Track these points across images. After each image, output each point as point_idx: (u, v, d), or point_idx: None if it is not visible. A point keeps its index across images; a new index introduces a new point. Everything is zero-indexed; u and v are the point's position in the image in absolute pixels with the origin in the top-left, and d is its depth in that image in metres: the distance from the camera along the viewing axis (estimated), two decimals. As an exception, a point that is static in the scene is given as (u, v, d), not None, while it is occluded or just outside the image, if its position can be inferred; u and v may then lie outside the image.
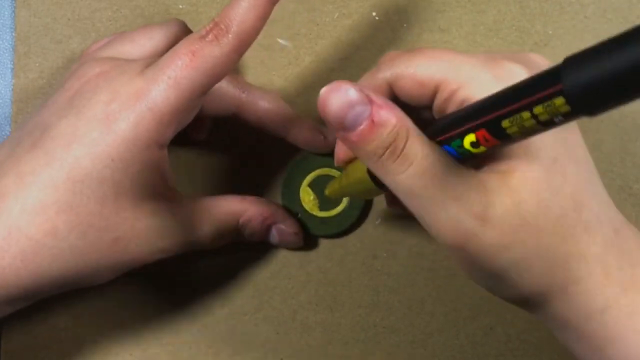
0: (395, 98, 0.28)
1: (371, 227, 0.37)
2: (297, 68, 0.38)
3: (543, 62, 0.28)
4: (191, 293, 0.36)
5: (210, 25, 0.28)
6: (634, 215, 0.37)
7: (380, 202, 0.37)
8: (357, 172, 0.29)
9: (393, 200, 0.32)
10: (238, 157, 0.37)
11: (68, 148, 0.28)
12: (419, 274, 0.37)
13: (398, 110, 0.25)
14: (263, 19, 0.28)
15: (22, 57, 0.38)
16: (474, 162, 0.25)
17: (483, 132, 0.23)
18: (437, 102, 0.27)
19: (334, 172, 0.36)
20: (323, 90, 0.25)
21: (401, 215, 0.36)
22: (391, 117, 0.25)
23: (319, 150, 0.36)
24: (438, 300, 0.36)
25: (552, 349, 0.36)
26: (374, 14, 0.38)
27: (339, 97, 0.25)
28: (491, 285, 0.27)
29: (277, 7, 0.37)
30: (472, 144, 0.24)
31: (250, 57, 0.37)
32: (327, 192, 0.35)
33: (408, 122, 0.25)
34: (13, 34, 0.38)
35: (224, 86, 0.33)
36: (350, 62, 0.37)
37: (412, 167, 0.25)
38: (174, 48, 0.29)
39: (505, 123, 0.22)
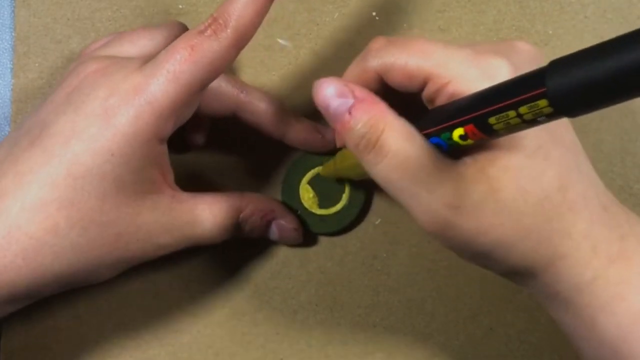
0: (386, 84, 0.29)
1: (371, 227, 0.37)
2: (297, 68, 0.38)
3: (528, 50, 0.29)
4: (191, 293, 0.36)
5: (209, 21, 0.28)
6: (634, 215, 0.37)
7: (380, 202, 0.37)
8: (350, 157, 0.30)
9: None
10: (238, 155, 0.37)
11: (67, 144, 0.28)
12: (419, 274, 0.37)
13: (378, 104, 0.27)
14: (261, 14, 0.29)
15: (22, 57, 0.38)
16: (461, 152, 0.27)
17: (471, 126, 0.25)
18: (427, 92, 0.28)
19: (334, 171, 0.36)
20: (314, 83, 0.28)
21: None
22: (367, 111, 0.27)
23: (317, 149, 0.36)
24: (438, 300, 0.36)
25: (552, 349, 0.36)
26: (374, 14, 0.38)
27: (324, 90, 0.28)
28: (479, 262, 0.28)
29: (277, 7, 0.38)
30: (461, 137, 0.25)
31: (250, 57, 0.37)
32: (321, 171, 0.36)
33: (386, 116, 0.27)
34: (12, 33, 0.38)
35: (223, 86, 0.33)
36: (350, 62, 0.37)
37: (387, 159, 0.27)
38: (173, 43, 0.29)
39: (492, 120, 0.24)
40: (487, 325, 0.36)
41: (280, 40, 0.38)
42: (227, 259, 0.36)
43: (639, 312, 0.26)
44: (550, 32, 0.38)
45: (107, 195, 0.28)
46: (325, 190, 0.36)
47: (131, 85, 0.28)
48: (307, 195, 0.36)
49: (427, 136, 0.27)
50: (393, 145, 0.26)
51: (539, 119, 0.22)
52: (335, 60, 0.37)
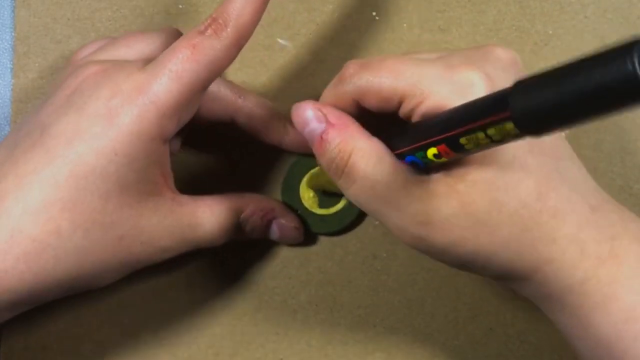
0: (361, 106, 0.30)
1: (371, 227, 0.37)
2: (297, 68, 0.38)
3: (504, 57, 0.29)
4: (191, 293, 0.36)
5: (209, 21, 0.29)
6: (634, 216, 0.37)
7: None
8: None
9: None
10: (238, 156, 0.37)
11: (70, 145, 0.28)
12: (419, 274, 0.37)
13: (348, 127, 0.29)
14: (259, 12, 0.29)
15: (22, 57, 0.38)
16: (439, 167, 0.28)
17: (444, 146, 0.26)
18: (402, 111, 0.29)
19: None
20: (293, 106, 0.30)
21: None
22: (337, 135, 0.28)
23: None
24: (438, 300, 0.36)
25: (552, 349, 0.36)
26: (374, 13, 0.38)
27: (298, 115, 0.30)
28: (463, 269, 0.29)
29: (277, 7, 0.38)
30: (435, 156, 0.26)
31: (250, 57, 0.37)
32: (307, 183, 0.36)
33: (356, 140, 0.28)
34: (12, 33, 0.38)
35: (222, 90, 0.33)
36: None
37: (355, 184, 0.28)
38: (174, 44, 0.29)
39: (463, 140, 0.24)
40: (487, 325, 0.36)
41: (280, 40, 0.38)
42: (227, 259, 0.36)
43: (632, 311, 0.26)
44: (550, 32, 0.38)
45: (110, 195, 0.28)
46: (324, 195, 0.36)
47: (134, 85, 0.28)
48: (307, 195, 0.36)
49: (403, 155, 0.28)
50: (361, 170, 0.28)
51: (507, 139, 0.23)
52: (335, 60, 0.37)
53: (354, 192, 0.28)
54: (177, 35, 0.33)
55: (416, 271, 0.37)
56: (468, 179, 0.27)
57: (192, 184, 0.36)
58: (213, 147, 0.37)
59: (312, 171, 0.36)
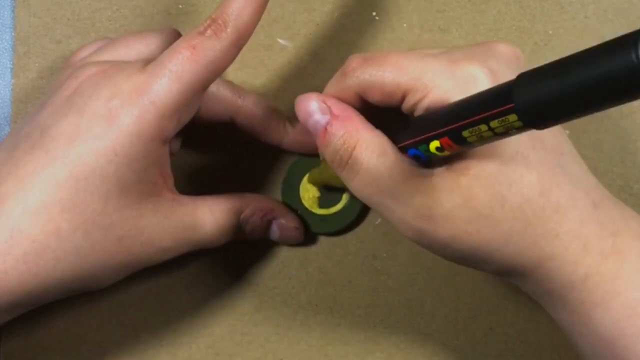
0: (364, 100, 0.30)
1: (371, 227, 0.37)
2: (297, 68, 0.38)
3: (506, 52, 0.29)
4: (191, 293, 0.36)
5: (208, 22, 0.29)
6: (634, 215, 0.37)
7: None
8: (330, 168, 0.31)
9: None
10: (238, 156, 0.37)
11: (70, 146, 0.28)
12: (419, 274, 0.37)
13: (352, 119, 0.29)
14: (259, 13, 0.29)
15: (22, 57, 0.38)
16: (442, 161, 0.28)
17: (446, 139, 0.26)
18: (405, 106, 0.28)
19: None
20: (297, 98, 0.30)
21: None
22: (341, 127, 0.28)
23: (314, 151, 0.35)
24: (438, 300, 0.36)
25: (552, 349, 0.36)
26: (374, 13, 0.38)
27: (302, 106, 0.30)
28: (464, 264, 0.29)
29: (277, 7, 0.38)
30: (437, 149, 0.26)
31: (250, 57, 0.37)
32: (308, 179, 0.36)
33: (360, 132, 0.28)
34: (12, 33, 0.38)
35: (221, 90, 0.33)
36: (350, 62, 0.37)
37: (358, 176, 0.28)
38: (174, 44, 0.29)
39: (465, 133, 0.24)
40: (487, 325, 0.36)
41: (280, 40, 0.38)
42: (227, 259, 0.36)
43: (634, 307, 0.26)
44: (551, 32, 0.38)
45: (110, 196, 0.28)
46: (326, 190, 0.36)
47: (134, 86, 0.28)
48: (307, 195, 0.36)
49: (406, 148, 0.28)
50: (364, 162, 0.28)
51: (510, 131, 0.23)
52: (335, 60, 0.37)
53: (357, 184, 0.28)
54: (176, 35, 0.33)
55: (416, 271, 0.37)
56: (471, 173, 0.27)
57: (192, 184, 0.37)
58: (213, 147, 0.37)
59: (314, 167, 0.36)
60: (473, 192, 0.27)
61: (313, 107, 0.29)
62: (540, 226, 0.27)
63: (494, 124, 0.23)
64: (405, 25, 0.38)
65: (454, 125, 0.25)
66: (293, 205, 0.36)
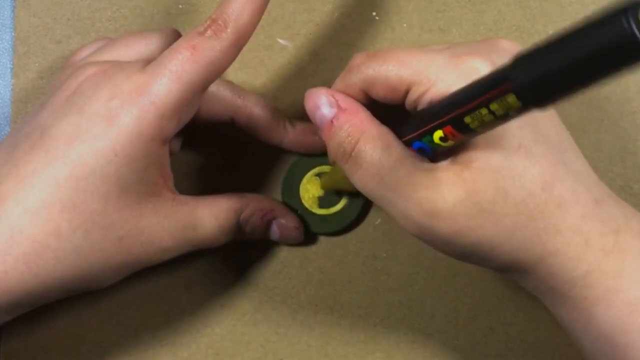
0: (370, 97, 0.30)
1: (371, 227, 0.37)
2: (297, 68, 0.38)
3: (509, 47, 0.29)
4: (191, 293, 0.36)
5: (208, 22, 0.29)
6: (634, 215, 0.37)
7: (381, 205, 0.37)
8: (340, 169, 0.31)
9: None
10: (238, 156, 0.37)
11: (70, 146, 0.28)
12: (419, 274, 0.37)
13: (358, 113, 0.29)
14: (259, 13, 0.29)
15: (22, 57, 0.38)
16: (446, 153, 0.28)
17: (449, 128, 0.26)
18: (409, 101, 0.29)
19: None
20: (306, 92, 0.30)
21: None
22: (347, 120, 0.29)
23: (314, 151, 0.36)
24: (438, 300, 0.36)
25: (552, 349, 0.36)
26: (374, 13, 0.38)
27: (311, 99, 0.30)
28: (466, 260, 0.29)
29: (277, 7, 0.38)
30: (441, 139, 0.26)
31: (250, 57, 0.37)
32: (321, 185, 0.36)
33: (365, 126, 0.28)
34: (12, 34, 0.38)
35: (221, 90, 0.33)
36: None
37: (362, 169, 0.28)
38: (174, 45, 0.29)
39: (467, 119, 0.24)
40: (487, 325, 0.36)
41: (280, 40, 0.38)
42: (227, 259, 0.36)
43: (635, 304, 0.26)
44: (551, 32, 0.38)
45: (110, 196, 0.28)
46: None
47: (134, 86, 0.28)
48: (307, 195, 0.36)
49: (410, 141, 0.28)
50: (368, 155, 0.28)
51: (510, 113, 0.23)
52: (335, 60, 0.37)
53: (360, 178, 0.28)
54: (176, 35, 0.33)
55: (416, 271, 0.37)
56: (474, 167, 0.27)
57: (192, 184, 0.37)
58: (213, 147, 0.37)
59: (323, 169, 0.36)
60: (476, 185, 0.27)
61: (321, 100, 0.30)
62: (542, 221, 0.27)
63: (493, 106, 0.23)
64: (405, 25, 0.38)
65: (455, 113, 0.25)
66: (293, 205, 0.36)
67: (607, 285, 0.27)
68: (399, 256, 0.37)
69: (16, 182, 0.28)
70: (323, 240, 0.37)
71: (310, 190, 0.36)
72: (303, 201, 0.36)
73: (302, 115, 0.36)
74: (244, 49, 0.29)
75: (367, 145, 0.28)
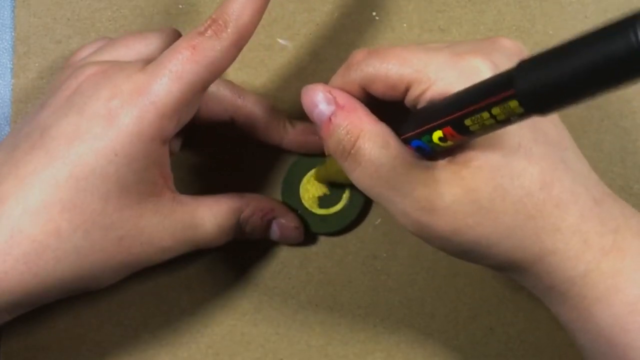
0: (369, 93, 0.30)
1: (371, 227, 0.37)
2: (297, 68, 0.38)
3: (510, 46, 0.29)
4: (191, 293, 0.36)
5: (209, 22, 0.29)
6: (634, 215, 0.37)
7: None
8: (336, 162, 0.31)
9: None
10: (238, 155, 0.37)
11: (70, 146, 0.28)
12: (419, 274, 0.37)
13: (357, 111, 0.29)
14: (260, 13, 0.29)
15: (22, 57, 0.38)
16: (445, 152, 0.28)
17: (449, 129, 0.25)
18: (409, 98, 0.28)
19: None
20: (303, 89, 0.30)
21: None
22: (346, 117, 0.28)
23: (314, 151, 0.36)
24: (438, 300, 0.36)
25: (552, 349, 0.36)
26: (374, 13, 0.38)
27: (308, 96, 0.30)
28: (465, 258, 0.29)
29: (277, 7, 0.38)
30: (440, 139, 0.26)
31: (250, 57, 0.37)
32: (314, 177, 0.36)
33: (363, 123, 0.28)
34: (12, 33, 0.38)
35: (221, 90, 0.33)
36: (350, 62, 0.37)
37: (360, 167, 0.28)
38: (174, 44, 0.29)
39: (467, 122, 0.24)
40: (487, 325, 0.36)
41: (280, 40, 0.38)
42: (227, 259, 0.36)
43: (634, 303, 0.26)
44: (551, 32, 0.38)
45: (110, 196, 0.28)
46: (331, 188, 0.36)
47: (134, 86, 0.28)
48: (307, 195, 0.36)
49: (409, 140, 0.28)
50: (367, 153, 0.28)
51: (512, 118, 0.23)
52: (335, 60, 0.37)
53: (359, 175, 0.28)
54: (176, 35, 0.33)
55: (416, 271, 0.37)
56: (473, 165, 0.27)
57: (192, 184, 0.37)
58: (213, 147, 0.37)
59: (320, 165, 0.36)
60: (475, 184, 0.27)
61: (319, 98, 0.29)
62: (541, 220, 0.27)
63: (495, 110, 0.23)
64: (405, 25, 0.38)
65: (456, 114, 0.25)
66: (293, 205, 0.36)
67: (606, 285, 0.27)
68: (399, 256, 0.37)
69: (16, 182, 0.28)
70: (323, 240, 0.37)
71: (310, 190, 0.36)
72: (303, 201, 0.36)
73: (302, 115, 0.36)
74: (244, 49, 0.29)
75: (366, 143, 0.28)
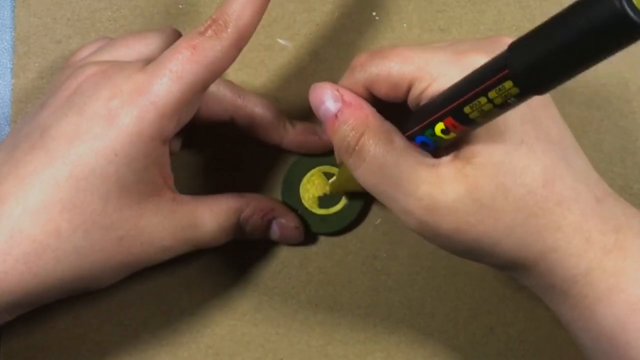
0: (374, 95, 0.30)
1: (371, 227, 0.37)
2: (297, 68, 0.38)
3: None
4: (191, 293, 0.36)
5: (209, 22, 0.29)
6: (634, 215, 0.37)
7: (380, 203, 0.37)
8: (347, 168, 0.31)
9: None
10: (238, 155, 0.37)
11: (70, 146, 0.28)
12: (419, 274, 0.37)
13: (363, 108, 0.29)
14: (260, 13, 0.29)
15: (22, 57, 0.38)
16: (449, 147, 0.28)
17: (450, 119, 0.26)
18: (411, 97, 0.29)
19: (334, 170, 0.36)
20: (311, 86, 0.30)
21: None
22: (351, 114, 0.29)
23: (315, 151, 0.36)
24: (438, 300, 0.36)
25: (552, 349, 0.36)
26: (374, 13, 0.38)
27: (316, 93, 0.30)
28: (467, 257, 0.29)
29: (277, 7, 0.38)
30: (443, 131, 0.26)
31: (250, 57, 0.37)
32: (330, 188, 0.36)
33: (369, 120, 0.28)
34: (12, 33, 0.38)
35: (221, 90, 0.33)
36: (350, 62, 0.37)
37: (365, 163, 0.28)
38: (174, 44, 0.29)
39: (467, 109, 0.24)
40: (487, 325, 0.36)
41: (280, 40, 0.38)
42: (227, 259, 0.36)
43: (636, 303, 0.26)
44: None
45: (110, 196, 0.28)
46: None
47: (134, 86, 0.28)
48: (307, 195, 0.36)
49: (413, 136, 0.28)
50: (371, 149, 0.28)
51: (509, 101, 0.23)
52: (335, 60, 0.37)
53: (363, 172, 0.28)
54: (176, 35, 0.33)
55: (416, 271, 0.37)
56: (476, 162, 0.27)
57: (192, 184, 0.37)
58: (213, 147, 0.37)
59: (323, 169, 0.36)
60: (477, 181, 0.27)
61: (326, 95, 0.29)
62: (542, 218, 0.27)
63: (492, 94, 0.23)
64: (405, 25, 0.38)
65: (455, 104, 0.25)
66: (293, 205, 0.36)
67: (607, 284, 0.27)
68: (399, 256, 0.37)
69: (16, 182, 0.28)
70: (323, 240, 0.37)
71: (310, 190, 0.36)
72: (303, 201, 0.36)
73: (302, 115, 0.36)
74: (244, 49, 0.29)
75: (370, 139, 0.28)
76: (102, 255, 0.29)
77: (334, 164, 0.36)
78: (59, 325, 0.36)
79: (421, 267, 0.37)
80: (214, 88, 0.33)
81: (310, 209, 0.36)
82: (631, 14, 0.18)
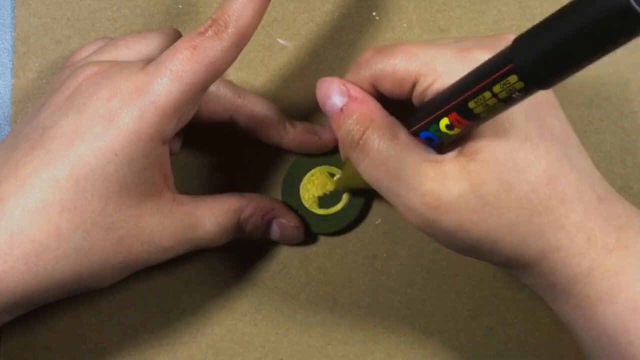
0: (379, 92, 0.30)
1: (371, 227, 0.37)
2: (297, 68, 0.38)
3: None
4: (191, 293, 0.36)
5: (209, 22, 0.29)
6: (634, 215, 0.37)
7: (380, 202, 0.37)
8: (352, 165, 0.31)
9: None
10: (238, 155, 0.37)
11: (70, 146, 0.28)
12: (419, 274, 0.37)
13: (368, 103, 0.29)
14: (260, 13, 0.29)
15: (22, 57, 0.38)
16: (453, 143, 0.28)
17: (455, 114, 0.26)
18: (416, 93, 0.29)
19: (334, 170, 0.36)
20: (318, 81, 0.31)
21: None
22: (355, 110, 0.29)
23: (314, 151, 0.36)
24: (438, 300, 0.36)
25: (552, 349, 0.36)
26: (374, 13, 0.38)
27: (323, 87, 0.30)
28: (469, 254, 0.29)
29: (277, 7, 0.38)
30: (447, 127, 0.26)
31: (250, 57, 0.37)
32: (335, 185, 0.36)
33: (373, 115, 0.29)
34: (12, 33, 0.38)
35: (221, 90, 0.33)
36: (350, 62, 0.37)
37: (368, 158, 0.28)
38: (174, 44, 0.29)
39: (471, 104, 0.24)
40: (487, 325, 0.36)
41: (280, 40, 0.38)
42: (226, 259, 0.36)
43: (638, 302, 0.27)
44: (550, 32, 0.38)
45: (110, 196, 0.28)
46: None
47: (134, 85, 0.28)
48: (307, 195, 0.36)
49: (417, 132, 0.28)
50: (375, 144, 0.28)
51: (513, 95, 0.23)
52: (335, 60, 0.37)
53: (366, 167, 0.28)
54: (176, 35, 0.33)
55: (416, 271, 0.37)
56: (479, 158, 0.27)
57: (192, 184, 0.37)
58: (213, 147, 0.37)
59: (324, 169, 0.36)
60: (481, 178, 0.27)
61: (334, 90, 0.30)
62: (545, 216, 0.27)
63: (497, 88, 0.23)
64: (405, 25, 0.38)
65: (460, 98, 0.25)
66: (293, 205, 0.36)
67: (609, 283, 0.27)
68: (399, 256, 0.37)
69: (16, 182, 0.28)
70: (323, 240, 0.37)
71: (310, 190, 0.36)
72: (303, 201, 0.36)
73: (302, 115, 0.36)
74: (245, 49, 0.29)
75: (374, 133, 0.28)
76: (102, 255, 0.29)
77: (334, 164, 0.36)
78: (59, 325, 0.36)
79: (421, 267, 0.37)
80: (214, 88, 0.33)
81: (310, 208, 0.36)
82: (635, 6, 0.18)
